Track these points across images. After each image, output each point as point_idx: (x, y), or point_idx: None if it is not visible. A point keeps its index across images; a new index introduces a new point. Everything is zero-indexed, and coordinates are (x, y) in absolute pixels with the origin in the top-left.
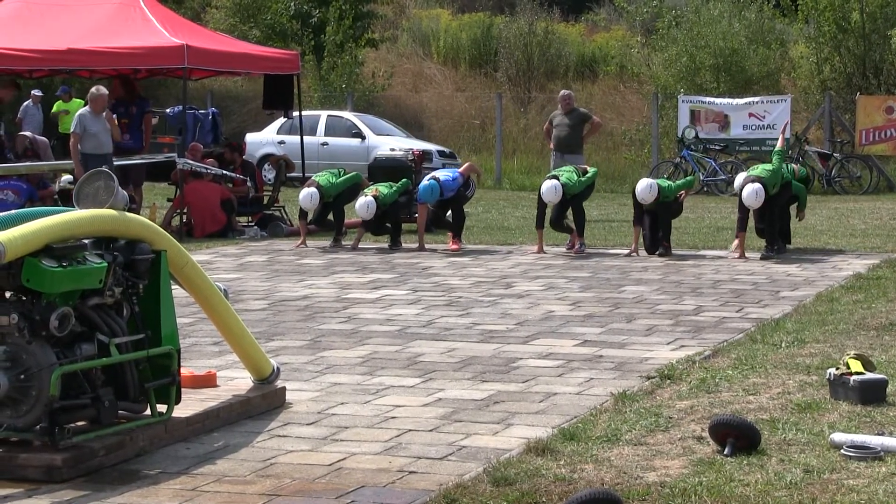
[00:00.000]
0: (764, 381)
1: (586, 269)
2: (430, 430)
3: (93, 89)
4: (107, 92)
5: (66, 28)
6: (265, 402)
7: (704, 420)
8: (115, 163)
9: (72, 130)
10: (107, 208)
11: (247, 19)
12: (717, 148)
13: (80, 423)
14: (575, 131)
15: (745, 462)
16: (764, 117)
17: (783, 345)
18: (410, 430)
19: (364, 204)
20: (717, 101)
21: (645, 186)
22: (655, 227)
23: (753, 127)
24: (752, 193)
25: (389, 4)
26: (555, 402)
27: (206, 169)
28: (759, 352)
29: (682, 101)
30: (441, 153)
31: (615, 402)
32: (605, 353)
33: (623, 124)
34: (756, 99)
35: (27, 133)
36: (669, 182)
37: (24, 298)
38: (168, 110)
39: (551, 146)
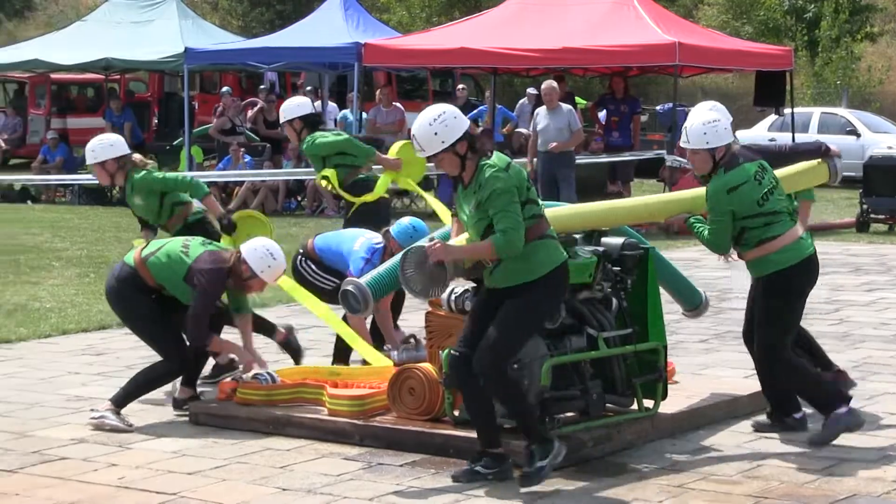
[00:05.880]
0: None
1: None
2: None
3: (543, 84)
4: (556, 86)
5: (561, 27)
6: (752, 402)
7: None
8: (606, 159)
9: (531, 128)
10: None
11: (739, 16)
12: None
13: (569, 415)
14: None
15: None
16: None
17: None
18: None
19: None
20: None
21: None
22: None
23: None
24: None
25: None
26: None
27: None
28: None
29: None
30: None
31: None
32: None
33: None
34: None
35: (522, 130)
36: None
37: None
38: (658, 108)
39: None
